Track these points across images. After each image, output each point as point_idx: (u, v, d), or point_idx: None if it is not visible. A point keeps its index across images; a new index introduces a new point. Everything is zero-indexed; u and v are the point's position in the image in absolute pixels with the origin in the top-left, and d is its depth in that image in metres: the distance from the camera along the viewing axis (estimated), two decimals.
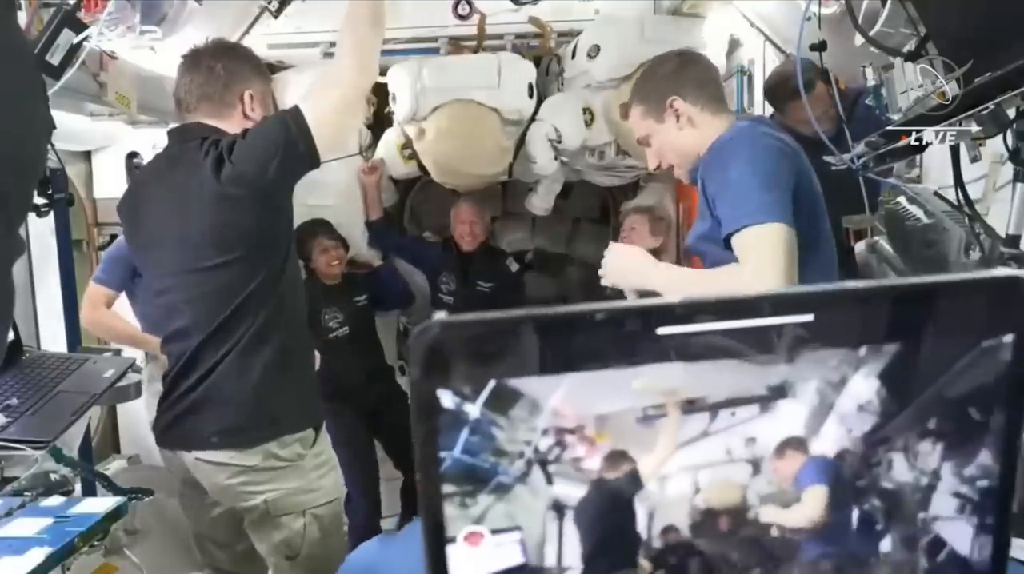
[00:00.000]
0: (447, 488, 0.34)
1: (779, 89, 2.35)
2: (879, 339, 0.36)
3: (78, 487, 1.81)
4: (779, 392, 0.37)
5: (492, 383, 0.34)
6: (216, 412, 1.62)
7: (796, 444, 0.38)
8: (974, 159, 1.70)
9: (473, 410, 0.34)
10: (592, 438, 0.36)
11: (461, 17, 2.98)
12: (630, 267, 1.55)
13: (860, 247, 2.07)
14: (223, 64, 1.67)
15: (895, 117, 1.48)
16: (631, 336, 0.35)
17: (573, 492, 0.36)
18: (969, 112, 1.37)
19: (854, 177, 1.81)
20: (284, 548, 1.70)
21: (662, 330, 0.34)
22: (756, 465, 0.38)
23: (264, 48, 3.14)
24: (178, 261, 1.62)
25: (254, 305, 1.60)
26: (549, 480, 0.36)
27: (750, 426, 0.37)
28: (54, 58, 1.66)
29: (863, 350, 0.37)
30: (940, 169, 2.05)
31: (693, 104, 1.57)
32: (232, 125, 1.68)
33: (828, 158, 1.67)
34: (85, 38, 1.72)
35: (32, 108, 0.84)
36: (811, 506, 0.38)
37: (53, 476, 1.47)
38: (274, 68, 3.38)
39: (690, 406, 0.36)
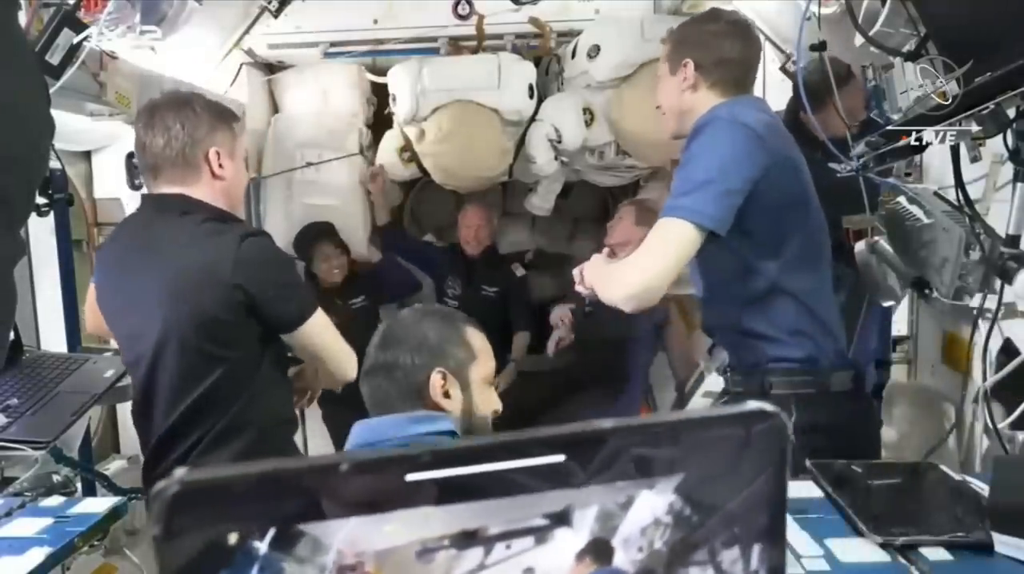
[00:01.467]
0: None
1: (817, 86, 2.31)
2: (639, 474, 0.38)
3: (79, 487, 1.81)
4: (558, 520, 0.38)
5: (271, 526, 0.34)
6: None
7: (580, 567, 0.39)
8: (974, 159, 1.70)
9: (261, 548, 0.34)
10: None
11: (461, 17, 2.98)
12: (591, 272, 1.61)
13: (860, 247, 2.06)
14: (181, 123, 1.57)
15: (895, 117, 1.48)
16: (383, 484, 0.36)
17: None
18: (969, 112, 1.37)
19: (856, 176, 1.81)
20: None
21: (411, 477, 0.35)
22: None
23: (264, 48, 3.14)
24: (148, 339, 1.55)
25: (222, 399, 1.55)
26: None
27: (527, 556, 0.38)
28: (54, 58, 1.65)
29: (632, 481, 0.38)
30: (940, 169, 2.05)
31: (703, 76, 1.58)
32: (200, 190, 1.59)
33: (833, 165, 1.68)
34: (85, 38, 1.72)
35: (34, 109, 0.84)
36: None
37: (55, 477, 1.47)
38: (274, 68, 3.38)
39: (466, 540, 0.37)
